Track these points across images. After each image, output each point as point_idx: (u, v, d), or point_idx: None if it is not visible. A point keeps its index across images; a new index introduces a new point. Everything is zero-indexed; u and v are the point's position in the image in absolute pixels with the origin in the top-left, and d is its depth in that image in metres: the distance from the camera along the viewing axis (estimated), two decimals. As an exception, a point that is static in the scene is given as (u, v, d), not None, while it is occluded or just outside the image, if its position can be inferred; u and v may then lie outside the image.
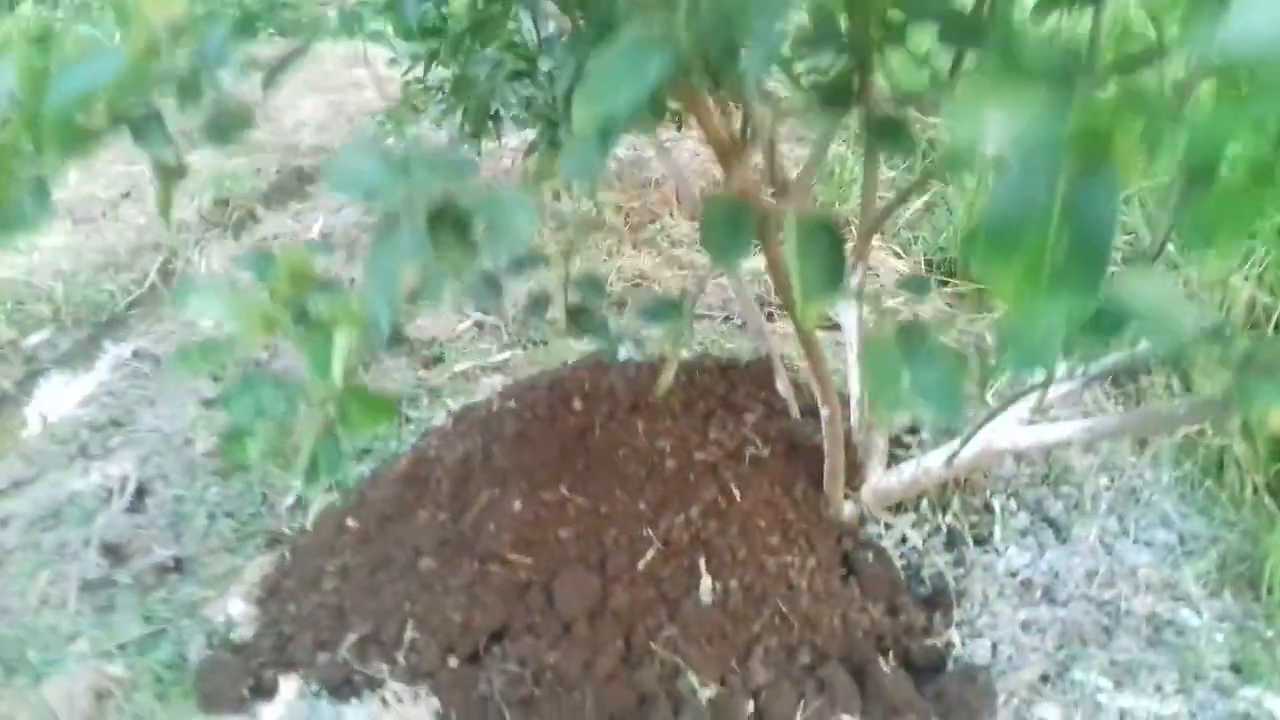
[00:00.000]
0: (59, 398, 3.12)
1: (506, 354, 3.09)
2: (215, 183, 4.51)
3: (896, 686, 1.75)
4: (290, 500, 2.47)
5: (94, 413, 2.94)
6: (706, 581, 1.84)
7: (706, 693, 1.72)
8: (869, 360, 1.04)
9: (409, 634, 1.81)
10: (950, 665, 1.86)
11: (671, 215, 3.84)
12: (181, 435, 2.74)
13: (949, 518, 2.16)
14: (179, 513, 2.44)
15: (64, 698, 1.84)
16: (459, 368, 2.99)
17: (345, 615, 1.91)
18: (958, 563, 2.10)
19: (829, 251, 1.07)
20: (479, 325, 3.33)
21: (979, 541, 2.14)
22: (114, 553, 2.31)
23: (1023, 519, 2.17)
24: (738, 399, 2.14)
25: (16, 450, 2.79)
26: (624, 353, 1.91)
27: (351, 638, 1.85)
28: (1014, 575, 2.04)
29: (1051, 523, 2.17)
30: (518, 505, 1.88)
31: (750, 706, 1.72)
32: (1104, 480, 2.26)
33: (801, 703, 1.71)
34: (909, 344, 1.08)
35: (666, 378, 1.58)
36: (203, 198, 4.42)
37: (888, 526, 2.12)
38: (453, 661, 1.77)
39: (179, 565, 2.28)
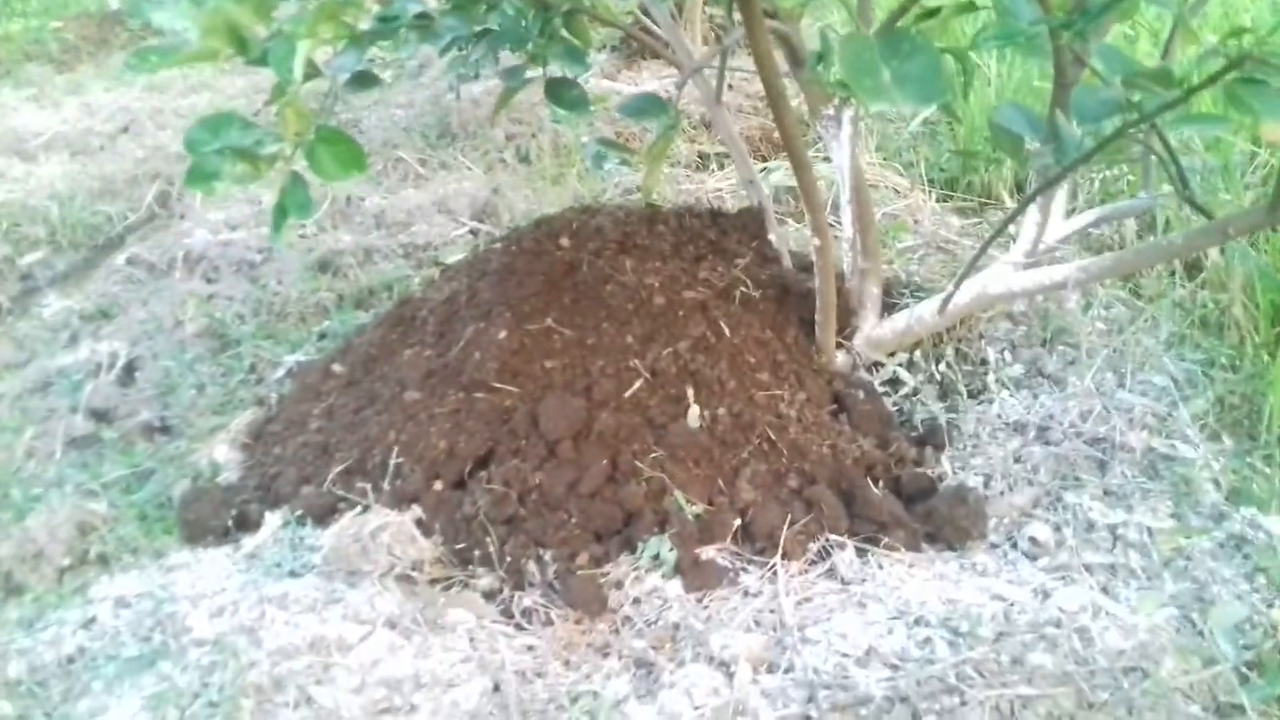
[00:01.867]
0: (55, 305, 3.10)
1: (501, 251, 3.07)
2: (214, 120, 4.45)
3: (885, 505, 1.73)
4: (279, 373, 2.45)
5: (86, 307, 2.93)
6: (694, 410, 1.81)
7: (693, 509, 1.70)
8: (845, 54, 1.01)
9: (394, 461, 1.79)
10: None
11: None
12: (173, 319, 2.73)
13: (942, 367, 2.14)
14: (167, 384, 2.42)
15: (46, 529, 1.82)
16: (451, 259, 2.97)
17: (330, 451, 1.90)
18: (950, 409, 2.07)
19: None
20: (474, 232, 3.31)
21: (973, 394, 2.12)
22: (101, 416, 2.30)
23: (1017, 370, 2.14)
24: (729, 245, 2.12)
25: (8, 335, 2.78)
26: (609, 165, 1.88)
27: (336, 469, 1.83)
28: (1007, 421, 2.01)
29: (1047, 376, 2.14)
30: (503, 335, 1.85)
31: (737, 522, 1.70)
32: (1100, 337, 2.22)
33: (789, 519, 1.69)
34: (889, 40, 1.05)
35: (654, 178, 1.55)
36: (203, 133, 4.40)
37: (879, 367, 2.09)
38: (438, 486, 1.75)
39: (166, 426, 2.26)
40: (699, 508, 1.71)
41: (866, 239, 2.08)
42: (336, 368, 2.06)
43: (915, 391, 2.08)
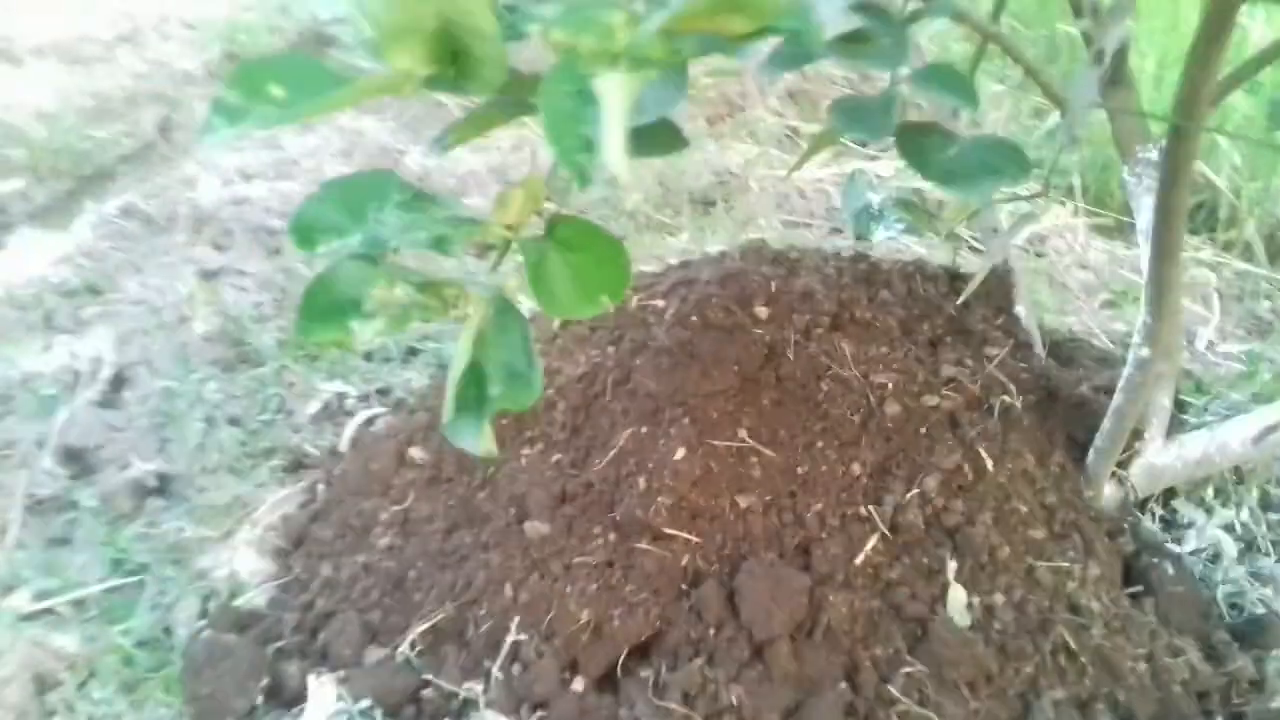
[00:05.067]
0: (26, 257, 2.48)
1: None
2: (228, 35, 3.89)
3: (1248, 778, 1.16)
4: (315, 407, 1.85)
5: (66, 275, 2.32)
6: (959, 593, 1.23)
7: (973, 768, 1.12)
8: None
9: (511, 637, 1.20)
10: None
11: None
12: (175, 311, 2.12)
13: (1243, 516, 1.56)
14: (167, 412, 1.82)
15: (-14, 684, 1.23)
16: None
17: (407, 589, 1.30)
18: (1254, 578, 1.50)
19: None
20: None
21: (1283, 553, 1.54)
22: (77, 460, 1.71)
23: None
24: (972, 322, 1.51)
25: (-35, 313, 2.16)
26: (885, 234, 1.28)
27: (418, 626, 1.24)
28: (1342, 605, 1.45)
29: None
30: (680, 454, 1.26)
31: (1038, 794, 1.13)
32: None
33: (1112, 794, 1.12)
34: None
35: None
36: (211, 49, 3.80)
37: (1165, 524, 1.51)
38: (578, 684, 1.17)
39: (164, 486, 1.66)
40: (977, 762, 1.13)
41: (1165, 331, 1.48)
42: (415, 453, 1.45)
43: (1216, 556, 1.50)
